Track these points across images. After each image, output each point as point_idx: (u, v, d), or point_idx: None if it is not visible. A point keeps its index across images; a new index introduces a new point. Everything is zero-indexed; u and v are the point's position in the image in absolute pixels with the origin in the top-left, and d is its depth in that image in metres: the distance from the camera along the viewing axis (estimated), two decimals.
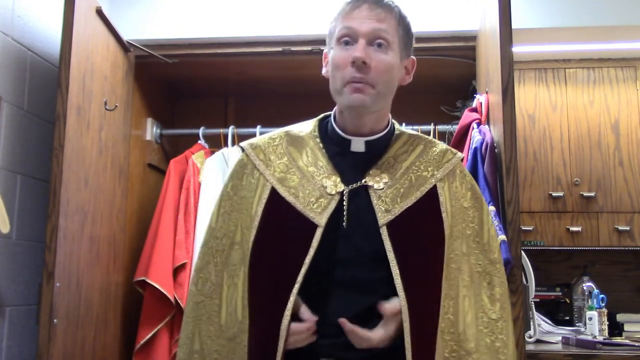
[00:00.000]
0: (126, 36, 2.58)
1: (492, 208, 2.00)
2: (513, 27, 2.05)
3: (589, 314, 2.63)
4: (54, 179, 2.01)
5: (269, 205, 1.29)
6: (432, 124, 2.83)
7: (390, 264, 1.22)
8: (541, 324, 2.74)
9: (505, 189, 2.00)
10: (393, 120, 1.40)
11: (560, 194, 2.90)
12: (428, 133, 2.83)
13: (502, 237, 1.94)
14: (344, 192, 1.28)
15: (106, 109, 2.39)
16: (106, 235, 2.41)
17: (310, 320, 1.22)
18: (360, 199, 1.29)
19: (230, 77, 3.09)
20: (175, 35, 2.69)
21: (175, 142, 3.20)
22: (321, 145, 1.35)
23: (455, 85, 3.01)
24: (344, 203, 1.27)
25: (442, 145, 1.40)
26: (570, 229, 2.86)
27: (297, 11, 2.66)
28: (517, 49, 2.68)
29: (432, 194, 1.31)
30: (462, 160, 1.39)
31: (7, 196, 2.12)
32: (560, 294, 2.98)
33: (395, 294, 1.22)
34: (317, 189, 1.29)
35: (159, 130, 3.04)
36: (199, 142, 2.91)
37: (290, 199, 1.28)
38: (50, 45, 2.40)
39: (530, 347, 2.28)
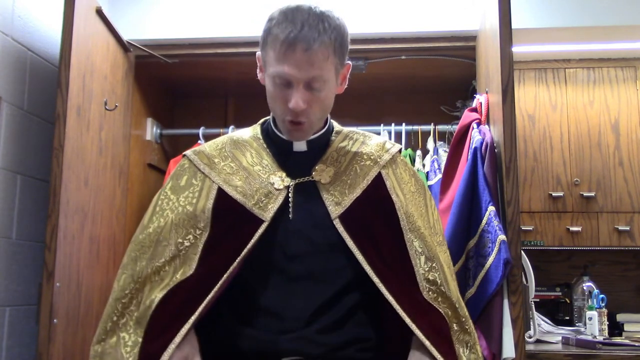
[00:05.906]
0: (126, 36, 2.58)
1: (492, 208, 2.00)
2: (513, 27, 2.05)
3: (589, 314, 2.63)
4: (54, 179, 2.01)
5: (216, 205, 1.29)
6: (432, 124, 2.83)
7: (354, 253, 1.24)
8: (541, 324, 2.74)
9: (505, 189, 2.00)
10: (331, 120, 1.42)
11: (560, 194, 2.89)
12: (428, 133, 2.84)
13: (502, 237, 1.94)
14: (290, 186, 1.30)
15: (106, 109, 2.39)
16: (106, 235, 2.41)
17: None
18: (308, 194, 1.30)
19: (230, 77, 3.09)
20: (175, 35, 2.70)
21: (175, 142, 3.20)
22: (265, 145, 1.37)
23: (455, 85, 3.01)
24: (290, 196, 1.29)
25: (379, 138, 1.45)
26: (570, 229, 2.86)
27: None
28: (517, 49, 2.69)
29: (378, 180, 1.34)
30: (399, 151, 1.43)
31: (7, 196, 2.12)
32: (560, 294, 2.98)
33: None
34: (264, 186, 1.30)
35: (159, 130, 3.05)
36: (199, 142, 2.91)
37: (237, 197, 1.28)
38: (50, 45, 2.40)
39: (530, 347, 2.28)
